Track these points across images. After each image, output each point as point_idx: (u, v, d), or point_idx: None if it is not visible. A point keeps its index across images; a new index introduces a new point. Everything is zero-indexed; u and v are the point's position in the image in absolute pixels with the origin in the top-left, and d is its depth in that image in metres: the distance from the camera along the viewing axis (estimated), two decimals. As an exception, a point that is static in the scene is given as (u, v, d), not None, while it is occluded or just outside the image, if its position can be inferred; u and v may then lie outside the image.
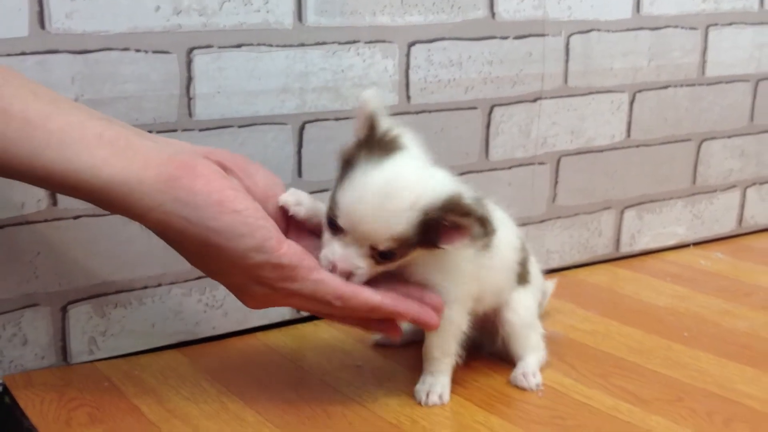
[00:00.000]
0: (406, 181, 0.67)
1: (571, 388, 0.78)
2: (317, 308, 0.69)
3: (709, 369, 0.82)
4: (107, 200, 0.64)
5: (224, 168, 0.67)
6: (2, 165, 0.62)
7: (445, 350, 0.76)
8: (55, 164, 0.62)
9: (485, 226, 0.68)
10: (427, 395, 0.75)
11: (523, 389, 0.78)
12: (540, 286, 0.88)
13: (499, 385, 0.79)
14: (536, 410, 0.74)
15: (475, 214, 0.67)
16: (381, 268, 0.69)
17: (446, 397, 0.75)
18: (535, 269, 0.86)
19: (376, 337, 0.88)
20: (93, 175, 0.62)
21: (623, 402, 0.75)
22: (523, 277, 0.82)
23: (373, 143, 0.68)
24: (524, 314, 0.81)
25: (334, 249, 0.68)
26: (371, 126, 0.69)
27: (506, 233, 0.79)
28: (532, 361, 0.81)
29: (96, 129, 0.63)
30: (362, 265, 0.68)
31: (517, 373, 0.80)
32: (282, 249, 0.65)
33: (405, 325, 0.85)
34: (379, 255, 0.68)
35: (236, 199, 0.64)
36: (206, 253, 0.65)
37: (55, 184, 0.63)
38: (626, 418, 0.73)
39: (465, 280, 0.74)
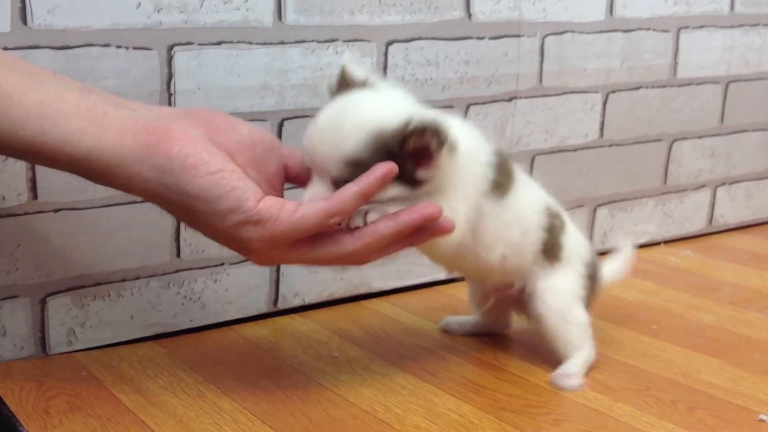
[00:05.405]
0: (357, 106, 0.67)
1: (541, 377, 0.80)
2: (327, 250, 0.66)
3: (675, 360, 0.84)
4: (90, 171, 0.64)
5: (207, 124, 0.66)
6: None
7: None
8: (36, 137, 0.62)
9: (439, 136, 0.64)
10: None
11: (563, 389, 0.76)
12: (583, 265, 0.79)
13: (471, 375, 0.80)
14: (507, 399, 0.76)
15: (430, 128, 0.64)
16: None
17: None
18: (574, 244, 0.79)
19: (444, 323, 0.90)
20: (73, 146, 0.62)
21: (591, 391, 0.77)
22: (552, 251, 0.76)
23: (343, 89, 0.70)
24: (555, 303, 0.75)
25: (307, 189, 0.67)
26: (342, 77, 0.70)
27: (525, 191, 0.75)
28: (575, 363, 0.77)
29: (74, 100, 0.63)
30: None
31: (557, 373, 0.77)
32: (259, 205, 0.63)
33: (466, 318, 0.90)
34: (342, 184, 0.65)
35: (210, 161, 0.63)
36: (193, 218, 0.65)
37: (37, 156, 0.63)
38: (594, 406, 0.74)
39: (464, 198, 0.70)
